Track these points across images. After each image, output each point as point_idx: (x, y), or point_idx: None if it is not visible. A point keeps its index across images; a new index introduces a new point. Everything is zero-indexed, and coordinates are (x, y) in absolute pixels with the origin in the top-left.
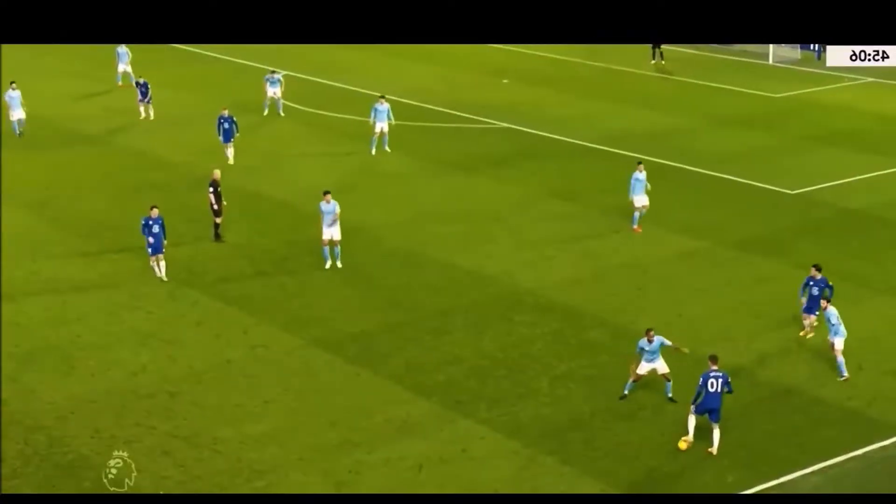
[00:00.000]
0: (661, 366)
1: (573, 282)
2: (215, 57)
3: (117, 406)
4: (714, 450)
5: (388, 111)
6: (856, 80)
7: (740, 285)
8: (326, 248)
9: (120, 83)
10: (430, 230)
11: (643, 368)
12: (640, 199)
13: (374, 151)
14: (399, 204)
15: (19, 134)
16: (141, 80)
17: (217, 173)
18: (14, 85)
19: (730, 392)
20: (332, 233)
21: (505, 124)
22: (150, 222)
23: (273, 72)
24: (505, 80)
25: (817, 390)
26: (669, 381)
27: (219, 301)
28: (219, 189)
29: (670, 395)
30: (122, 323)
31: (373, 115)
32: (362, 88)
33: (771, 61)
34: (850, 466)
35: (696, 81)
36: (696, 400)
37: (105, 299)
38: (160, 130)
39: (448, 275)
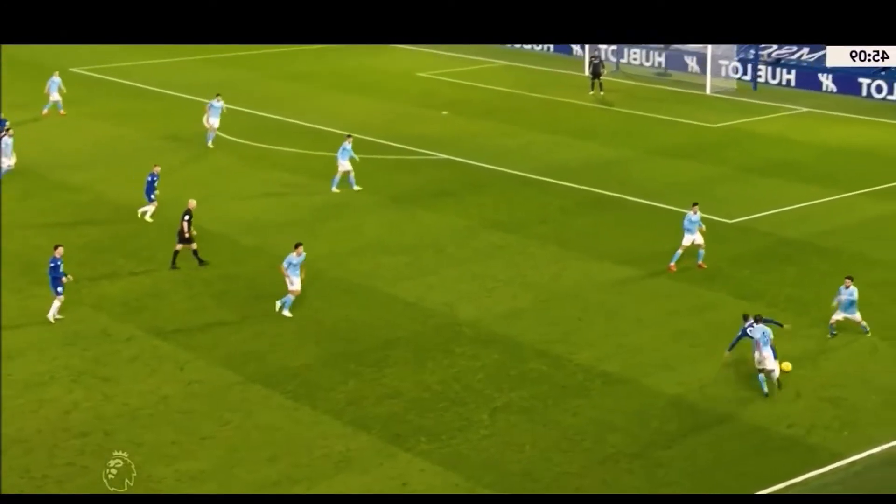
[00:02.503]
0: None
1: (514, 312)
2: (152, 91)
3: (49, 445)
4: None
5: (351, 150)
6: (791, 110)
7: (680, 314)
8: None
9: (45, 112)
10: (370, 262)
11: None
12: (697, 238)
13: (335, 189)
14: (339, 236)
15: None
16: (1, 118)
17: (192, 203)
18: (10, 132)
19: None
20: (299, 282)
21: (444, 156)
22: (58, 263)
23: (217, 96)
24: (444, 112)
25: (757, 418)
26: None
27: (155, 337)
28: (191, 218)
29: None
30: (54, 360)
31: (340, 153)
32: (300, 121)
33: (708, 91)
34: (790, 494)
35: (634, 112)
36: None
37: (37, 336)
38: (95, 164)
39: (389, 307)
